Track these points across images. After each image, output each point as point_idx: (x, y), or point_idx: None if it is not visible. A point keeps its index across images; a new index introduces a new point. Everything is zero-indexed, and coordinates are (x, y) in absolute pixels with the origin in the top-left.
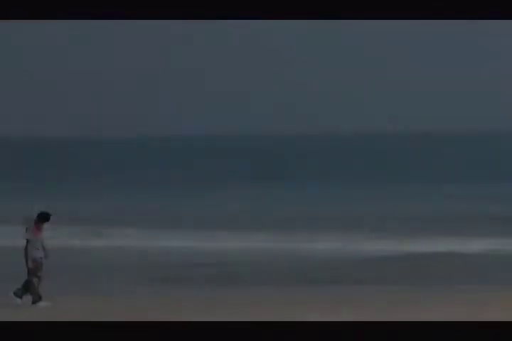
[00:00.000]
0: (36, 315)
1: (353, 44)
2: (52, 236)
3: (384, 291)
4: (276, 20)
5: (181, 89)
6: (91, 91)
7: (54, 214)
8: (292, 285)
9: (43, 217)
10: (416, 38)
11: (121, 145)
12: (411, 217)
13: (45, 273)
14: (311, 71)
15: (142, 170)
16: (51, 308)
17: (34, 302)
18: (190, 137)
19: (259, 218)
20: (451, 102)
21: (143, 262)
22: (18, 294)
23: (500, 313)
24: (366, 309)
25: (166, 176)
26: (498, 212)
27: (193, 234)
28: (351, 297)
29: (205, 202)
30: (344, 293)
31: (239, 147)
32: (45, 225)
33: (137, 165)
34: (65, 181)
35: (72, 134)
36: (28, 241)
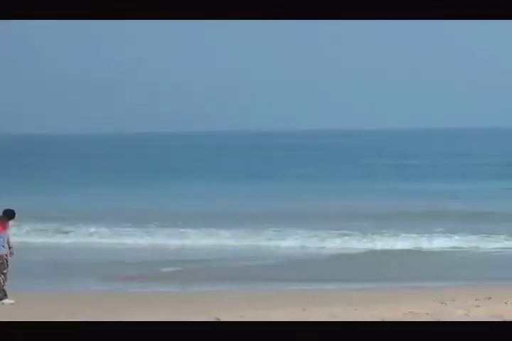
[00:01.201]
0: (0, 313)
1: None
2: (17, 233)
3: (349, 289)
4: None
5: None
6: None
7: (19, 211)
8: (257, 282)
9: (8, 215)
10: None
11: (91, 141)
12: (376, 213)
13: (10, 271)
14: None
15: (110, 167)
16: (16, 306)
17: None
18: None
19: (225, 215)
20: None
21: (109, 259)
22: None
23: (464, 311)
24: (332, 306)
25: (133, 173)
26: (462, 208)
27: (160, 231)
28: (316, 294)
29: (171, 199)
30: (309, 290)
31: (198, 145)
32: (10, 222)
33: (104, 160)
34: (29, 178)
35: (33, 131)
36: None
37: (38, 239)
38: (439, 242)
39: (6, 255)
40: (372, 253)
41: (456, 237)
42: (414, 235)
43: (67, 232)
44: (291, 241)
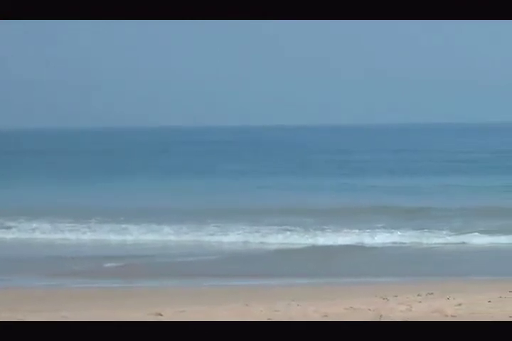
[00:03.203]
0: None
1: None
2: None
3: (291, 284)
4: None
5: None
6: None
7: None
8: (199, 278)
9: None
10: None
11: (36, 136)
12: (318, 209)
13: None
14: None
15: (53, 161)
16: None
17: None
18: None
19: (166, 211)
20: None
21: (51, 255)
22: None
23: (406, 307)
24: (275, 302)
25: (73, 169)
26: (404, 204)
27: (102, 227)
28: (258, 290)
29: (112, 195)
30: (251, 286)
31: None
32: None
33: (49, 155)
34: None
35: None
36: None
37: None
38: (381, 238)
39: None
40: (314, 248)
41: (398, 233)
42: (356, 231)
43: (9, 228)
44: (233, 237)
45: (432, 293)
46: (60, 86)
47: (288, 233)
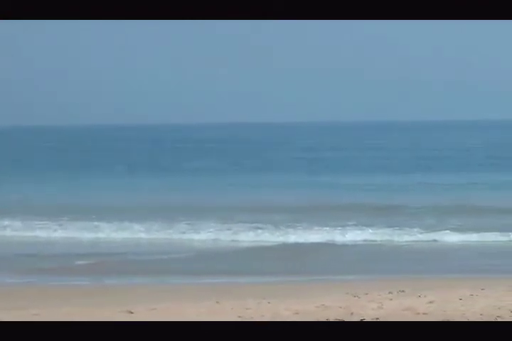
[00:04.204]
0: None
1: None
2: None
3: (262, 282)
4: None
5: None
6: None
7: None
8: (171, 275)
9: None
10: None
11: (3, 134)
12: (289, 207)
13: None
14: None
15: (23, 158)
16: None
17: None
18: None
19: (137, 209)
20: None
21: (22, 253)
22: None
23: (377, 304)
24: (245, 299)
25: (43, 166)
26: (375, 201)
27: (73, 224)
28: (229, 287)
29: (84, 192)
30: (222, 283)
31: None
32: None
33: (19, 153)
34: None
35: None
36: None
37: None
38: (352, 235)
39: None
40: (285, 246)
41: (370, 230)
42: (327, 228)
43: None
44: (204, 235)
45: (403, 291)
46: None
47: (259, 231)
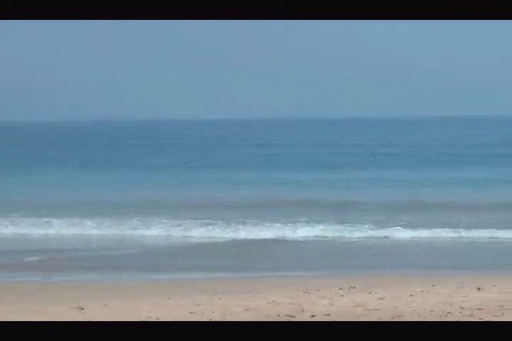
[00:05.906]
0: None
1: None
2: None
3: (213, 278)
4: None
5: None
6: None
7: None
8: (122, 271)
9: None
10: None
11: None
12: (240, 203)
13: None
14: None
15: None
16: None
17: None
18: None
19: (88, 205)
20: None
21: None
22: None
23: (328, 300)
24: (197, 295)
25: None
26: (327, 198)
27: (24, 220)
28: (180, 283)
29: (34, 189)
30: (174, 279)
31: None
32: None
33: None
34: None
35: None
36: None
37: None
38: (303, 231)
39: None
40: (235, 242)
41: (321, 226)
42: (278, 224)
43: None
44: (155, 231)
45: (354, 287)
46: None
47: (210, 227)
